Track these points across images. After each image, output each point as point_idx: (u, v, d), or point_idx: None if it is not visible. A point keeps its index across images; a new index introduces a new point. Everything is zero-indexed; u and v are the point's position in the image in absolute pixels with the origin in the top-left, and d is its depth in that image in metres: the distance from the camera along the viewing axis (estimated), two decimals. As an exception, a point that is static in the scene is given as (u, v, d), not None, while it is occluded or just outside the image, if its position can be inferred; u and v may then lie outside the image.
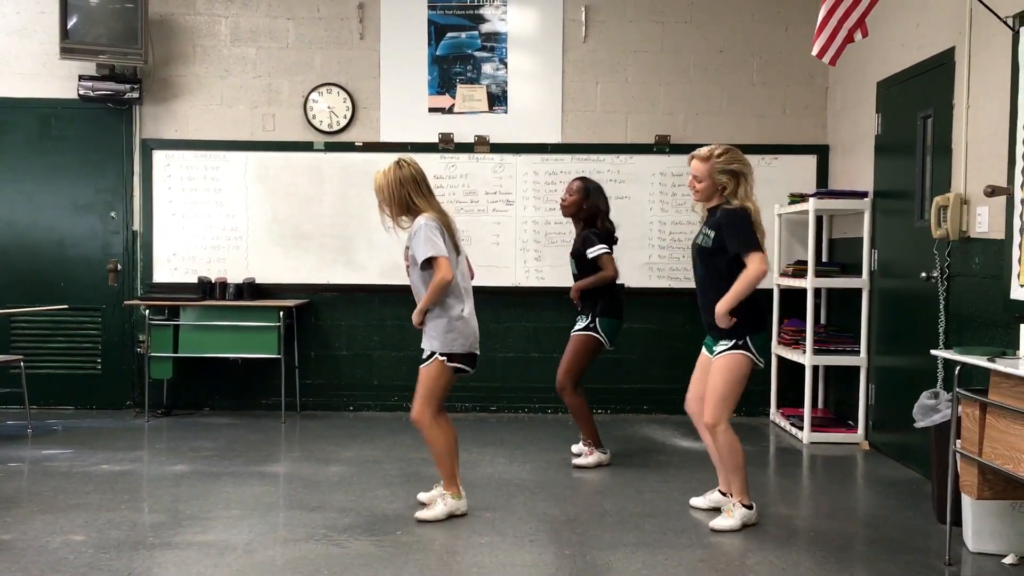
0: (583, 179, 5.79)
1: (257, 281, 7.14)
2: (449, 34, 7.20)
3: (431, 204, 4.50)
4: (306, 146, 7.20)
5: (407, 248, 4.50)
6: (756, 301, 4.43)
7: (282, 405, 6.93)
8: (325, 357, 7.24)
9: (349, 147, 7.18)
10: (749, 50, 7.15)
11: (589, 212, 5.68)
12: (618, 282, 5.67)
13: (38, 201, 7.20)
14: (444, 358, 4.43)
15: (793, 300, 6.85)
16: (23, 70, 7.14)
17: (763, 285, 4.50)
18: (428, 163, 7.10)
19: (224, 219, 7.21)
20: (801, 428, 6.36)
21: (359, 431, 6.58)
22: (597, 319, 5.61)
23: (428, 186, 4.55)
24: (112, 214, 7.24)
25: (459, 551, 4.08)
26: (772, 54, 7.14)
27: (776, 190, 6.89)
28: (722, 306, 4.28)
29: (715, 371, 4.39)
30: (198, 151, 7.19)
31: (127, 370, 7.24)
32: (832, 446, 6.22)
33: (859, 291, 6.27)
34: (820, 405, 6.92)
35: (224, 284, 7.02)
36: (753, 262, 4.27)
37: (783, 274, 6.83)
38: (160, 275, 7.21)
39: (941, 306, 5.14)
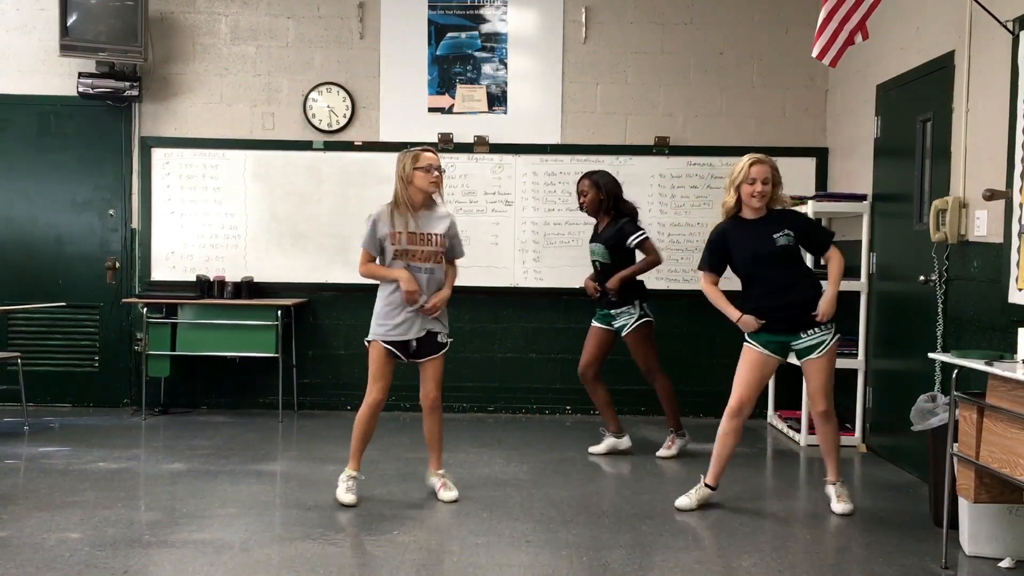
0: (587, 175, 5.87)
1: (255, 280, 7.13)
2: (449, 34, 7.20)
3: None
4: (305, 145, 7.20)
5: (436, 234, 4.72)
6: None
7: (279, 404, 6.92)
8: (323, 356, 7.23)
9: (348, 146, 7.18)
10: (749, 52, 7.15)
11: (610, 201, 5.76)
12: None
13: (37, 198, 7.19)
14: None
15: (791, 302, 6.84)
16: (23, 67, 7.13)
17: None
18: (427, 163, 7.20)
19: (223, 217, 7.20)
20: (798, 430, 6.36)
21: (356, 430, 6.57)
22: (643, 305, 5.76)
23: None
24: (111, 212, 7.24)
25: (455, 551, 4.08)
26: (772, 56, 7.14)
27: (775, 192, 6.89)
28: (829, 302, 4.67)
29: (824, 365, 4.69)
30: (197, 149, 7.18)
31: (124, 368, 7.23)
32: (829, 449, 6.21)
33: (857, 294, 6.26)
34: (818, 408, 6.91)
35: (222, 282, 7.00)
36: (837, 253, 4.75)
37: (781, 276, 6.82)
38: (158, 273, 7.20)
39: (939, 309, 5.14)
